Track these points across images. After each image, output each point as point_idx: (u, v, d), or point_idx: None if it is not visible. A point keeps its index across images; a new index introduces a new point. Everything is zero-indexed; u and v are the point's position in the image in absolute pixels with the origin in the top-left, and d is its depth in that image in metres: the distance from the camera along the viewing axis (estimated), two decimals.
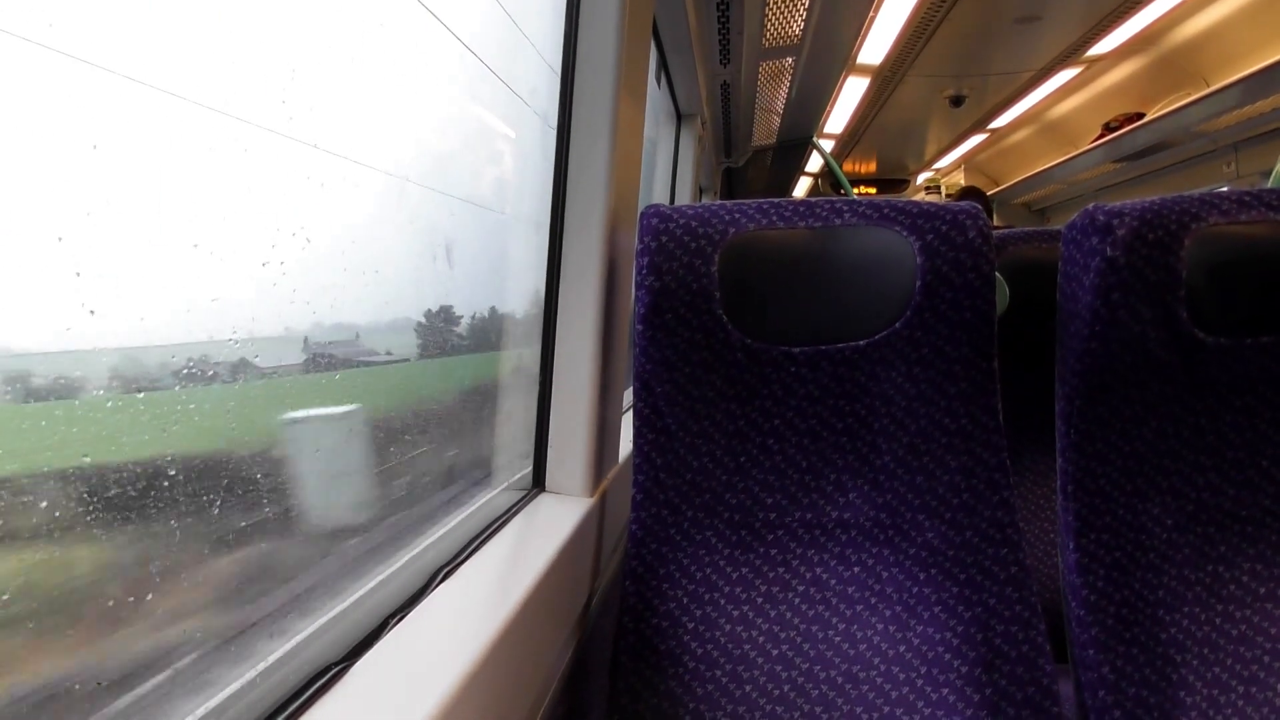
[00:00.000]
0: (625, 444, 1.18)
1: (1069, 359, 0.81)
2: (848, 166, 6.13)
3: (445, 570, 0.70)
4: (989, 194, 4.74)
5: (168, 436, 0.46)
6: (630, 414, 0.87)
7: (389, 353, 0.76)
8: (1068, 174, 4.87)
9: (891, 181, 6.57)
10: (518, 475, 0.99)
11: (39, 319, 0.39)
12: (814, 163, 5.48)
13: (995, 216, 5.43)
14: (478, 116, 0.93)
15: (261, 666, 0.51)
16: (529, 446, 1.01)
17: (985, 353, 0.80)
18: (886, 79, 3.83)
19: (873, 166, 6.26)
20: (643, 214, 0.83)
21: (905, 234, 0.80)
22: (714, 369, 0.83)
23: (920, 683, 0.78)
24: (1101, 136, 4.23)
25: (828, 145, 5.19)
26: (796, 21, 2.20)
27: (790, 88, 2.92)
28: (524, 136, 1.02)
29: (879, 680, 0.79)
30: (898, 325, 0.80)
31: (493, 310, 0.98)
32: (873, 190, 6.49)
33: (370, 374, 0.74)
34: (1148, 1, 2.91)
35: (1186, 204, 0.76)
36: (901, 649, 0.80)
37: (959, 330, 0.80)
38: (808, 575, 0.83)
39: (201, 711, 0.46)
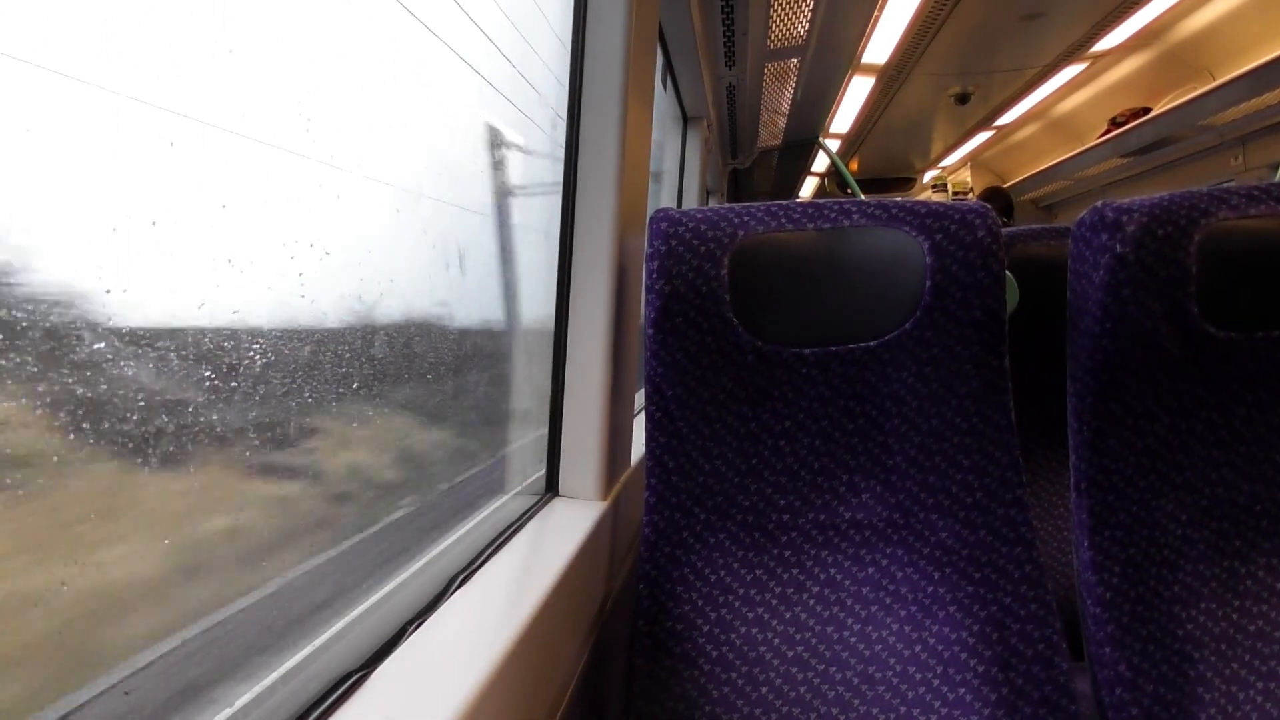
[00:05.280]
0: (637, 447, 1.18)
1: (1080, 356, 0.81)
2: (854, 166, 6.11)
3: (461, 576, 0.70)
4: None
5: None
6: (642, 417, 0.87)
7: None
8: (1075, 170, 4.85)
9: (898, 180, 6.56)
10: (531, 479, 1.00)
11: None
12: (820, 162, 5.47)
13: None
14: (491, 126, 0.94)
15: (279, 673, 0.51)
16: None
17: (996, 351, 0.80)
18: (892, 78, 3.82)
19: (879, 166, 6.25)
20: (652, 218, 0.83)
21: (914, 234, 0.80)
22: (725, 371, 0.83)
23: (936, 682, 0.78)
24: (1108, 132, 4.21)
25: (834, 145, 5.18)
26: (801, 22, 2.20)
27: (795, 88, 2.91)
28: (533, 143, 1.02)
29: (895, 681, 0.79)
30: (908, 325, 0.80)
31: None
32: (879, 190, 6.48)
33: None
34: None
35: (1195, 199, 0.76)
36: (917, 649, 0.79)
37: (969, 329, 0.79)
38: (821, 576, 0.83)
39: None
